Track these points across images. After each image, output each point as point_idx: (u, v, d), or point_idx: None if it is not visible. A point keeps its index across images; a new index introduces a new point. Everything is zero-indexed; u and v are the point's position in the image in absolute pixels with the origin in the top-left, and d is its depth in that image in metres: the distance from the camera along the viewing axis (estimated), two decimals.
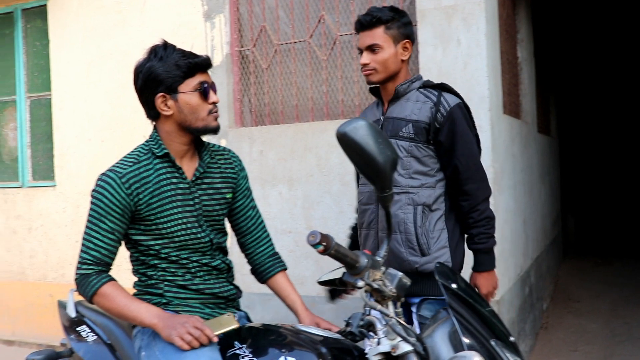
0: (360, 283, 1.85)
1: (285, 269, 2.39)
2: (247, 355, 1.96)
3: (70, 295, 2.73)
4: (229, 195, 2.27)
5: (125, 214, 2.06)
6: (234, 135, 4.35)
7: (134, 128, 4.72)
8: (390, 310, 1.90)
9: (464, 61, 3.68)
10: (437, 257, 2.53)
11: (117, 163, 2.12)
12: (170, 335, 1.95)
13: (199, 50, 4.38)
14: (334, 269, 2.31)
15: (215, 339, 1.97)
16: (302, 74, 4.30)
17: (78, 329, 2.63)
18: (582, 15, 7.65)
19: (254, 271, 2.40)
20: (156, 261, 2.13)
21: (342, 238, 3.96)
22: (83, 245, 2.07)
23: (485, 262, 2.60)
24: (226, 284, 2.23)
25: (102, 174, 2.08)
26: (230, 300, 2.25)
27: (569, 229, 9.63)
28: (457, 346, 1.86)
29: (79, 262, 2.07)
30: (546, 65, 7.23)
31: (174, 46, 2.13)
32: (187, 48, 2.16)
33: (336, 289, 2.79)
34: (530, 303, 5.03)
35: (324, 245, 1.78)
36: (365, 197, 2.69)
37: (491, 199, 3.58)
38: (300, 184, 4.13)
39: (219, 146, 2.32)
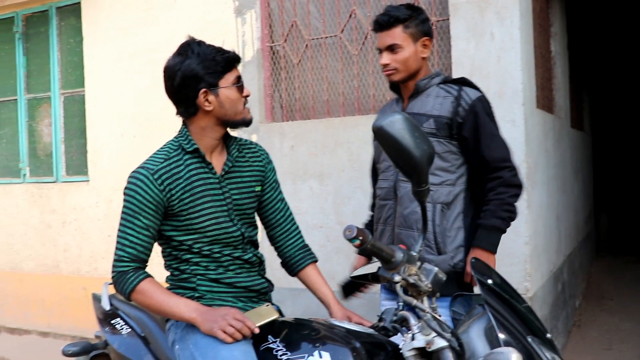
0: (397, 277, 1.84)
1: (316, 261, 2.39)
2: (281, 349, 1.96)
3: (104, 288, 2.77)
4: (258, 188, 2.28)
5: (159, 210, 2.07)
6: (265, 130, 4.37)
7: (165, 124, 4.76)
8: (426, 305, 1.89)
9: (497, 55, 3.64)
10: (453, 256, 2.50)
11: (148, 160, 2.13)
12: (211, 328, 1.96)
13: (230, 46, 4.40)
14: (364, 265, 2.30)
15: (257, 330, 1.97)
16: (333, 69, 4.29)
17: (112, 321, 2.67)
18: (617, 8, 7.51)
19: (284, 264, 2.40)
20: (188, 255, 2.14)
21: None
22: (118, 242, 2.08)
23: (482, 238, 2.49)
24: (258, 277, 2.24)
25: (134, 172, 2.09)
26: (263, 294, 2.26)
27: (602, 226, 9.48)
28: (494, 342, 1.84)
29: (115, 260, 2.08)
30: (580, 59, 7.12)
31: (204, 42, 2.14)
32: (218, 44, 2.18)
33: (351, 287, 2.79)
34: (563, 300, 4.97)
35: (361, 239, 1.78)
36: (383, 192, 2.66)
37: (524, 194, 3.57)
38: (331, 179, 4.13)
39: (246, 140, 2.34)
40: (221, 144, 2.22)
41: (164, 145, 2.20)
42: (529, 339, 1.87)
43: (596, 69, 9.35)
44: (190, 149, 2.13)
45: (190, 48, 2.10)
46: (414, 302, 1.84)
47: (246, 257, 2.19)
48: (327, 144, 4.14)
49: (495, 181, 2.51)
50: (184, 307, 2.02)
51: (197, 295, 2.14)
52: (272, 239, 2.40)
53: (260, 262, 2.27)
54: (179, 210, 2.09)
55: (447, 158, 2.53)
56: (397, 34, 2.54)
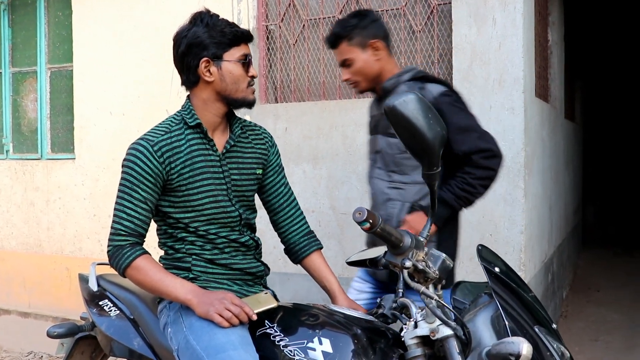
0: (408, 263, 1.78)
1: (321, 248, 2.32)
2: (279, 335, 1.90)
3: (92, 268, 2.68)
4: (259, 171, 2.22)
5: (158, 183, 2.01)
6: (259, 112, 4.27)
7: (156, 102, 4.65)
8: (431, 292, 1.83)
9: (498, 41, 3.58)
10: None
11: (149, 132, 2.07)
12: (207, 311, 1.89)
13: None
14: (361, 250, 2.23)
15: (255, 317, 1.91)
16: (330, 51, 4.19)
17: (100, 303, 2.58)
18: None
19: (288, 251, 2.33)
20: (184, 234, 2.08)
21: None
22: (115, 216, 2.02)
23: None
24: (254, 260, 2.18)
25: (134, 143, 2.04)
26: (259, 277, 2.20)
27: (588, 218, 9.52)
28: (501, 332, 1.79)
29: (112, 234, 2.02)
30: (575, 49, 7.09)
31: (218, 15, 2.10)
32: None
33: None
34: (552, 291, 4.96)
35: (371, 222, 1.72)
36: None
37: (521, 183, 3.53)
38: (325, 162, 4.05)
39: (251, 122, 2.28)
40: (224, 122, 2.16)
41: (166, 119, 2.14)
42: (536, 329, 1.82)
43: (590, 59, 9.33)
44: (192, 124, 2.07)
45: (201, 17, 2.06)
46: (422, 288, 1.78)
47: (242, 239, 2.13)
48: (322, 127, 4.06)
49: (465, 162, 2.43)
50: (180, 287, 1.96)
51: (191, 276, 2.07)
52: (275, 225, 2.32)
53: (256, 246, 2.20)
54: (178, 185, 2.02)
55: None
56: (344, 50, 2.56)
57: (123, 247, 2.00)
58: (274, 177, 2.28)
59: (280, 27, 4.34)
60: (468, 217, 3.68)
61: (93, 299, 2.62)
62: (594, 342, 4.88)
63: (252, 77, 2.11)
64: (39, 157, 5.47)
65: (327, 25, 4.20)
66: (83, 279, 2.76)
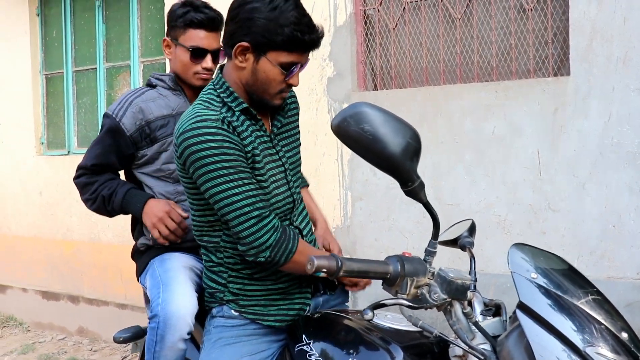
0: (368, 315, 1.57)
1: (308, 185, 2.27)
2: (314, 354, 1.79)
3: None
4: (299, 136, 2.07)
5: (247, 160, 1.78)
6: (357, 100, 4.12)
7: None
8: (458, 310, 1.55)
9: (623, 16, 3.29)
10: None
11: (198, 113, 1.75)
12: None
13: (321, 9, 4.17)
14: (453, 225, 1.93)
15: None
16: (432, 34, 4.00)
17: None
18: None
19: None
20: (229, 239, 1.86)
21: (475, 210, 3.68)
22: (244, 207, 1.72)
23: None
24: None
25: (194, 125, 1.71)
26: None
27: None
28: None
29: (255, 224, 1.73)
30: None
31: (296, 2, 1.77)
32: (308, 6, 1.90)
33: None
34: None
35: (325, 271, 1.45)
36: None
37: None
38: (429, 151, 3.85)
39: None
40: None
41: (202, 98, 1.84)
42: (588, 351, 1.44)
43: None
44: (238, 109, 1.81)
45: None
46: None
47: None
48: (426, 114, 3.87)
49: None
50: None
51: (227, 298, 1.92)
52: None
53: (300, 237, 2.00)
54: (250, 169, 1.81)
55: None
56: (219, 38, 2.40)
57: (277, 228, 1.78)
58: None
59: (379, 11, 4.17)
60: (588, 208, 3.43)
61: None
62: None
63: (291, 85, 1.83)
64: None
65: (428, 8, 4.00)
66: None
